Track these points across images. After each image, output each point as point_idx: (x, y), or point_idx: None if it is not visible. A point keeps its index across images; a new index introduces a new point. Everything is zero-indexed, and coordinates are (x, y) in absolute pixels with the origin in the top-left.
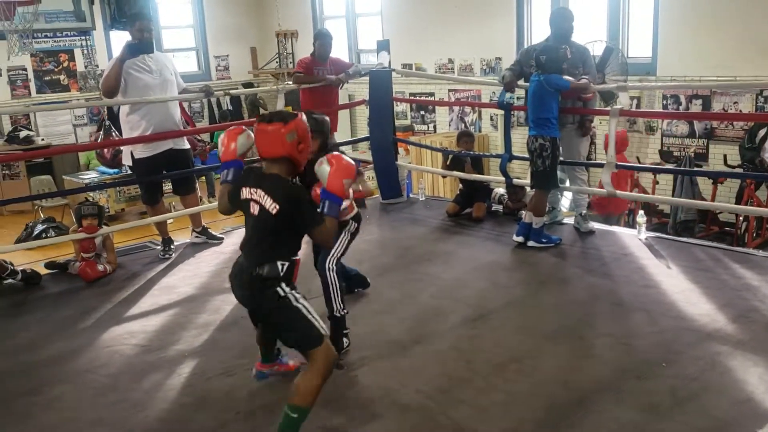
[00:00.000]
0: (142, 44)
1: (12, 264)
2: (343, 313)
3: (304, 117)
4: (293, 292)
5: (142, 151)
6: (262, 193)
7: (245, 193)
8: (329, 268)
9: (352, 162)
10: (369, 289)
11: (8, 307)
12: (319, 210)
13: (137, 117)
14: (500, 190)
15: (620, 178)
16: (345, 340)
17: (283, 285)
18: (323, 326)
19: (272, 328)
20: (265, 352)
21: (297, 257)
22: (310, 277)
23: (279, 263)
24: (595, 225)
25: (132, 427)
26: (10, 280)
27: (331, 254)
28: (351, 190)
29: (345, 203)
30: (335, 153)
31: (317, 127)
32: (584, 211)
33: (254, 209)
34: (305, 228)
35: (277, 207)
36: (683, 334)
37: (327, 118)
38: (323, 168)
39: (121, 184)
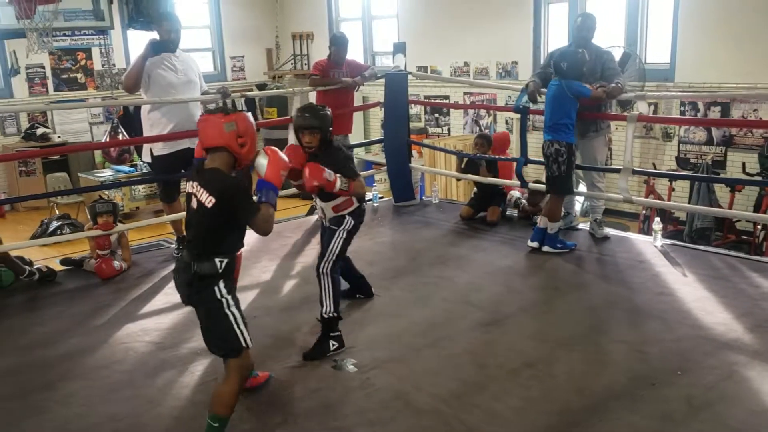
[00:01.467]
0: (165, 43)
1: (30, 264)
2: (331, 315)
3: (250, 116)
4: (229, 296)
5: (161, 149)
6: (199, 187)
7: (188, 186)
8: (323, 271)
9: (285, 158)
10: (382, 292)
11: (24, 303)
12: (257, 199)
13: (158, 114)
14: (516, 194)
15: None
16: (333, 342)
17: (221, 284)
18: (247, 338)
19: (202, 326)
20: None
21: (238, 253)
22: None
23: (217, 260)
24: (611, 231)
25: (146, 422)
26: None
27: (326, 257)
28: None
29: (337, 201)
30: (272, 147)
31: (315, 122)
32: (599, 217)
33: (193, 203)
34: (243, 219)
35: (213, 200)
36: (699, 343)
37: (328, 112)
38: (260, 160)
39: (136, 182)
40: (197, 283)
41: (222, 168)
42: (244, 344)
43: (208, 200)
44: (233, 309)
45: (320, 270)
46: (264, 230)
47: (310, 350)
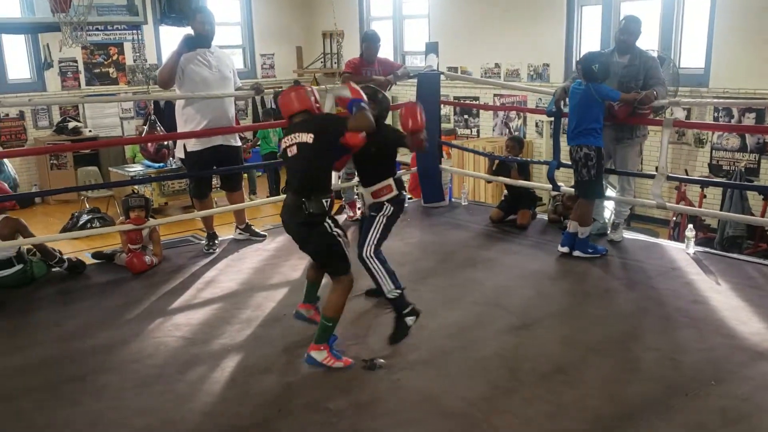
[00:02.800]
0: (200, 38)
1: (60, 252)
2: (394, 293)
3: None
4: (337, 230)
5: (194, 145)
6: (296, 134)
7: (284, 142)
8: (367, 255)
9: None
10: (411, 293)
11: (56, 295)
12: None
13: (192, 110)
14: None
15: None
16: (409, 318)
17: (329, 222)
18: (349, 260)
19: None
20: (309, 291)
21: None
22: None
23: (324, 200)
24: (640, 237)
25: (176, 418)
26: (57, 268)
27: (366, 242)
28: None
29: (377, 187)
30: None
31: (373, 96)
32: (620, 222)
33: (291, 152)
34: (343, 127)
35: (312, 136)
36: (734, 353)
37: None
38: (342, 92)
39: (166, 178)
40: (310, 221)
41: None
42: (350, 264)
43: (308, 137)
44: (342, 239)
45: (363, 255)
46: (366, 125)
47: (392, 334)
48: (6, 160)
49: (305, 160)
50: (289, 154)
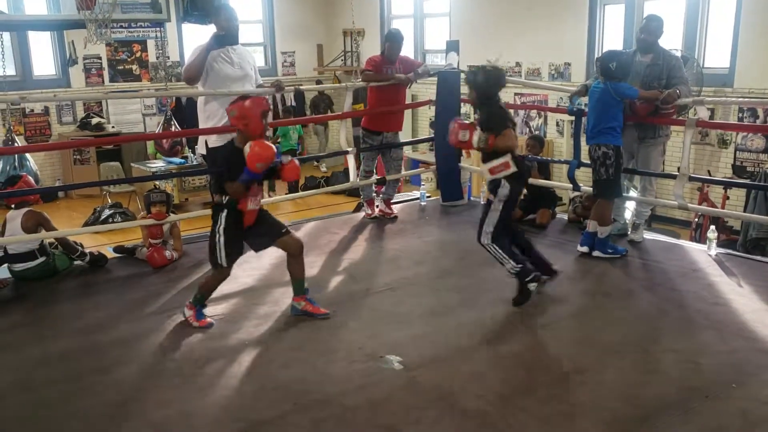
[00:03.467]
0: (228, 36)
1: (82, 245)
2: (515, 270)
3: (247, 103)
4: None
5: (216, 141)
6: None
7: None
8: (484, 243)
9: (268, 147)
10: (428, 291)
11: (78, 288)
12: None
13: (215, 107)
14: (577, 193)
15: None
16: (531, 285)
17: (224, 213)
18: (225, 259)
19: None
20: (294, 284)
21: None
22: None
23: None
24: (661, 237)
25: (194, 410)
26: (79, 261)
27: (483, 230)
28: None
29: (493, 163)
30: (258, 141)
31: (469, 76)
32: (641, 222)
33: None
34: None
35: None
36: (755, 356)
37: (484, 77)
38: (245, 149)
39: (186, 174)
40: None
41: (237, 143)
42: (221, 262)
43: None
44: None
45: (481, 243)
46: (230, 194)
47: (516, 297)
48: (28, 155)
49: None
50: None
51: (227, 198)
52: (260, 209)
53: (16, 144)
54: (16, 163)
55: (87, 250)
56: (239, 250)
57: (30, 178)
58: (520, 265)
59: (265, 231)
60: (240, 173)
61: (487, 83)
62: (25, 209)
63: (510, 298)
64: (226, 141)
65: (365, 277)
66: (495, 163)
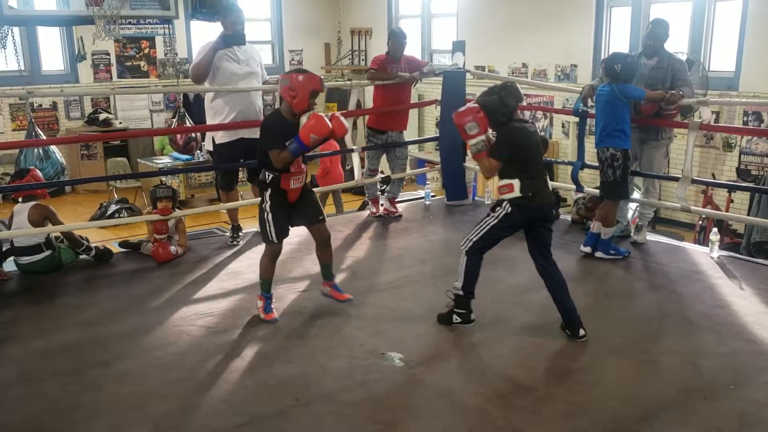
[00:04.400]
0: (235, 36)
1: (87, 240)
2: (458, 291)
3: (301, 77)
4: (270, 200)
5: (222, 137)
6: None
7: None
8: (462, 250)
9: (327, 123)
10: (431, 289)
11: (82, 282)
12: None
13: (221, 103)
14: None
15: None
16: (457, 317)
17: (268, 191)
18: (275, 234)
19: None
20: (322, 270)
21: (287, 173)
22: None
23: (267, 173)
24: (664, 239)
25: (196, 404)
26: (84, 256)
27: (468, 236)
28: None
29: (502, 182)
30: (318, 114)
31: (480, 101)
32: (644, 224)
33: None
34: (263, 148)
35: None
36: (754, 358)
37: (493, 99)
38: (302, 119)
39: (193, 170)
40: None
41: (283, 112)
42: (272, 238)
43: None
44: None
45: (461, 247)
46: (275, 163)
47: (441, 314)
48: (54, 147)
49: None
50: None
51: (270, 177)
52: (305, 189)
53: (41, 137)
54: (42, 155)
55: (93, 245)
56: (288, 225)
57: (38, 172)
58: (463, 292)
59: (305, 212)
60: (284, 142)
61: (494, 105)
62: (33, 203)
63: (513, 296)
64: (233, 138)
65: (368, 274)
66: (502, 183)
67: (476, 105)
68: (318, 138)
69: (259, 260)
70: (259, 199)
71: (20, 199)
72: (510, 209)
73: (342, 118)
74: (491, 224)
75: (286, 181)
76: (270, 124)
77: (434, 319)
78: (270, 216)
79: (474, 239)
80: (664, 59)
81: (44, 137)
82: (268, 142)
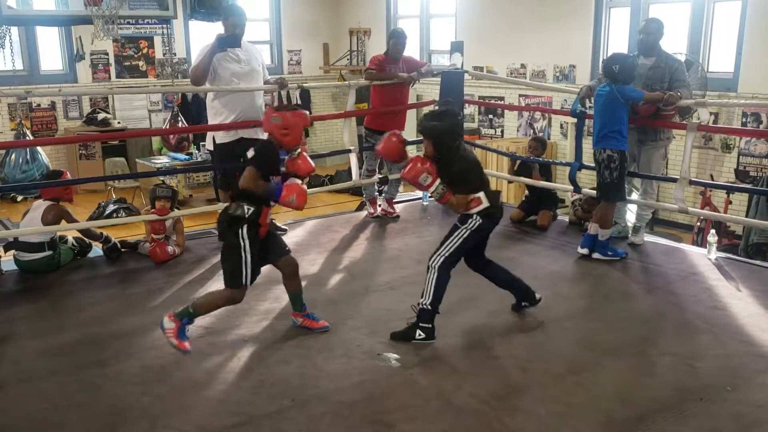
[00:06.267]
0: (231, 38)
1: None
2: (425, 306)
3: (296, 115)
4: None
5: (223, 137)
6: None
7: None
8: (432, 265)
9: (305, 199)
10: None
11: (80, 282)
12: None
13: (221, 103)
14: (577, 196)
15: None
16: (420, 333)
17: (245, 228)
18: (249, 277)
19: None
20: (291, 300)
21: (267, 206)
22: None
23: (246, 206)
24: (662, 241)
25: (193, 404)
26: (92, 252)
27: (439, 251)
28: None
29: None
30: (299, 186)
31: (423, 130)
32: (641, 225)
33: None
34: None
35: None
36: (751, 360)
37: (443, 124)
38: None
39: (191, 170)
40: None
41: (275, 144)
42: (245, 282)
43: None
44: (248, 247)
45: (430, 262)
46: (242, 180)
47: (398, 331)
48: (40, 149)
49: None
50: None
51: (250, 210)
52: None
53: (28, 137)
54: (29, 157)
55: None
56: (260, 266)
57: (69, 175)
58: (430, 308)
59: (273, 246)
60: (272, 170)
61: (447, 131)
62: (48, 203)
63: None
64: (233, 138)
65: (365, 275)
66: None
67: (417, 156)
68: (292, 204)
69: (208, 297)
70: (230, 240)
71: (44, 199)
72: (481, 220)
73: (309, 159)
74: (464, 237)
75: (265, 215)
76: (263, 150)
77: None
78: (249, 258)
79: (446, 254)
80: (662, 59)
81: (31, 138)
82: (257, 162)
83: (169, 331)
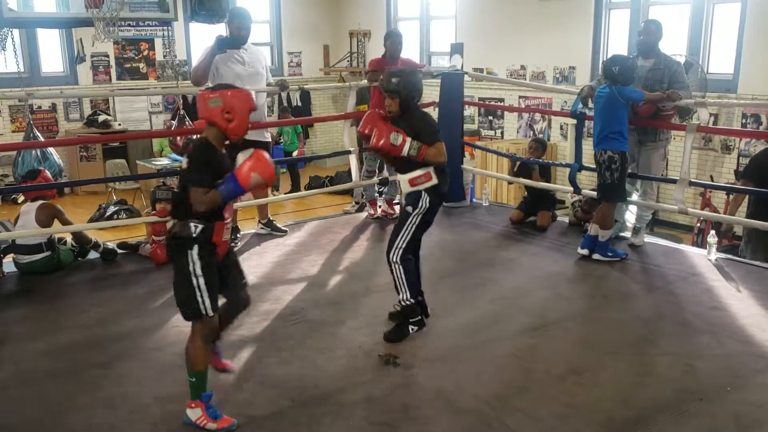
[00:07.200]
0: (232, 40)
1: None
2: (408, 302)
3: (243, 94)
4: (200, 262)
5: None
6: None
7: None
8: (393, 260)
9: (272, 164)
10: (428, 291)
11: (82, 283)
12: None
13: None
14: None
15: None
16: (412, 327)
17: (195, 249)
18: (209, 305)
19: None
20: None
21: (220, 221)
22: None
23: (192, 224)
24: (661, 242)
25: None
26: (92, 253)
27: (395, 245)
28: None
29: (414, 174)
30: (261, 151)
31: (394, 86)
32: (642, 226)
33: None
34: (185, 182)
35: (186, 163)
36: (751, 360)
37: (415, 79)
38: (240, 156)
39: None
40: (174, 242)
41: (212, 140)
42: (205, 312)
43: (185, 163)
44: (199, 272)
45: (389, 258)
46: (195, 204)
47: (390, 332)
48: (52, 149)
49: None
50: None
51: (199, 228)
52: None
53: (39, 139)
54: (40, 157)
55: (101, 242)
56: (219, 289)
57: (48, 173)
58: (412, 301)
59: (232, 274)
60: (216, 179)
61: (414, 86)
62: (40, 202)
63: (510, 298)
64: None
65: (365, 276)
66: (416, 173)
67: (372, 112)
68: (260, 180)
69: (185, 348)
70: (176, 264)
71: (29, 200)
72: (429, 199)
73: (269, 158)
74: (416, 224)
75: (219, 233)
76: (198, 156)
77: (432, 319)
78: (202, 282)
79: (403, 246)
80: (661, 60)
81: (42, 139)
82: (192, 177)
83: (199, 420)
